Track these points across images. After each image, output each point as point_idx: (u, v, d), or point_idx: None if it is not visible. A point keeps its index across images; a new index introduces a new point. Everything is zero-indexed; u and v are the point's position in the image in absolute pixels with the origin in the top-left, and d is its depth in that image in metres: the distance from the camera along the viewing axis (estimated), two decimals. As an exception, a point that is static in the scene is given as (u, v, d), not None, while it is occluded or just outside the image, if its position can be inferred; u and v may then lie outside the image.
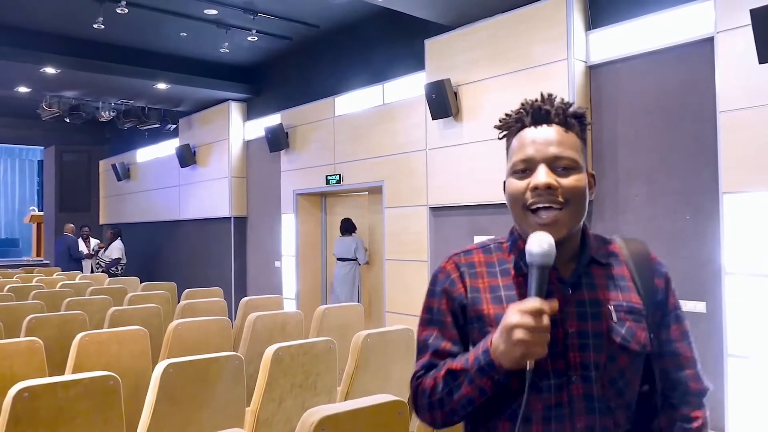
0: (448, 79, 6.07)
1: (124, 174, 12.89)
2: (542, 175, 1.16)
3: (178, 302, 5.34)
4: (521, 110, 1.24)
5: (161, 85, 8.96)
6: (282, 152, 8.67)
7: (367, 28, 7.50)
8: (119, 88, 9.25)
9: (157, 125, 10.59)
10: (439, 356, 1.24)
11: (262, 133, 8.84)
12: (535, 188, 1.17)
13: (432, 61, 6.40)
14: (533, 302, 1.08)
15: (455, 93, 6.09)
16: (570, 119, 1.22)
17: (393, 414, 2.12)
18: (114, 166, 13.06)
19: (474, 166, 5.95)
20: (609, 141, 5.20)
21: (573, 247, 1.24)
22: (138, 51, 8.54)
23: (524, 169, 1.20)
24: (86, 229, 11.50)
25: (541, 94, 1.25)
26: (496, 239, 1.34)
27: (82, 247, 11.15)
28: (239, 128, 9.75)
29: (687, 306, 4.65)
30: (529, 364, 1.09)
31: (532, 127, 1.21)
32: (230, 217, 9.70)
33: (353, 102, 7.59)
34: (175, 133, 11.05)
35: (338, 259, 8.02)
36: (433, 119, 6.24)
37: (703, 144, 4.58)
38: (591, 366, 1.17)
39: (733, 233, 4.32)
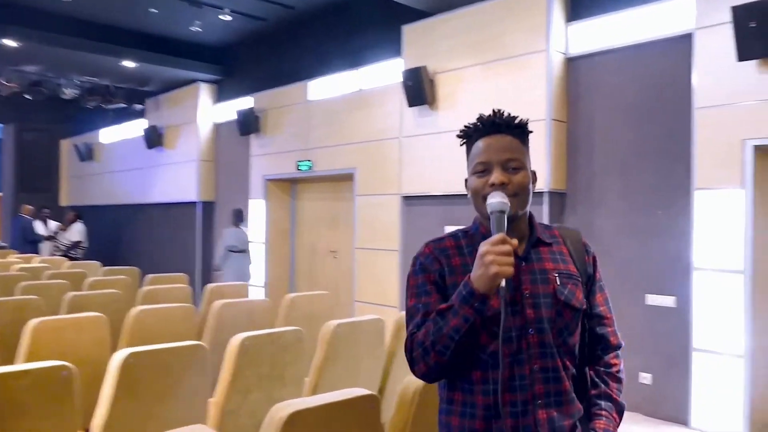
0: (425, 67, 5.97)
1: (87, 154, 12.51)
2: (498, 175, 1.49)
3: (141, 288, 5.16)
4: (478, 123, 1.56)
5: (128, 63, 8.67)
6: (252, 136, 8.48)
7: (344, 11, 7.35)
8: (83, 64, 8.93)
9: (123, 105, 10.29)
10: (428, 315, 1.48)
11: (233, 116, 8.65)
12: (492, 185, 1.48)
13: (409, 48, 6.29)
14: (497, 235, 1.38)
15: (432, 81, 6.00)
16: (516, 129, 1.55)
17: (365, 408, 2.03)
18: (76, 146, 12.67)
19: (448, 155, 5.87)
20: (585, 134, 5.17)
21: (523, 230, 1.57)
22: (104, 26, 8.23)
23: (483, 170, 1.52)
24: (46, 210, 11.11)
25: (493, 110, 1.56)
26: (462, 229, 1.64)
27: (40, 229, 10.75)
28: (208, 110, 9.51)
29: (656, 300, 4.67)
30: (502, 283, 1.36)
31: (489, 136, 1.53)
32: (197, 202, 9.48)
33: (327, 87, 7.44)
34: (141, 114, 10.75)
35: (231, 251, 7.61)
36: (409, 107, 6.14)
37: (679, 140, 4.58)
38: (544, 320, 1.48)
39: (703, 229, 4.33)
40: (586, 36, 5.15)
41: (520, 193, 1.50)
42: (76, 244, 10.63)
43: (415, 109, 6.14)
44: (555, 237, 1.62)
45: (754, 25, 3.91)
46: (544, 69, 5.16)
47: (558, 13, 5.19)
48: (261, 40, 8.62)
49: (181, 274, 6.20)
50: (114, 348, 3.49)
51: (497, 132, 1.53)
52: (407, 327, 1.53)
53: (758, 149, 4.13)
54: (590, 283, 1.61)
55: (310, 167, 7.60)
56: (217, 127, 9.49)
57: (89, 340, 3.44)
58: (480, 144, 1.54)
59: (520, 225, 1.55)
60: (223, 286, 5.54)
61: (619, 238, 4.90)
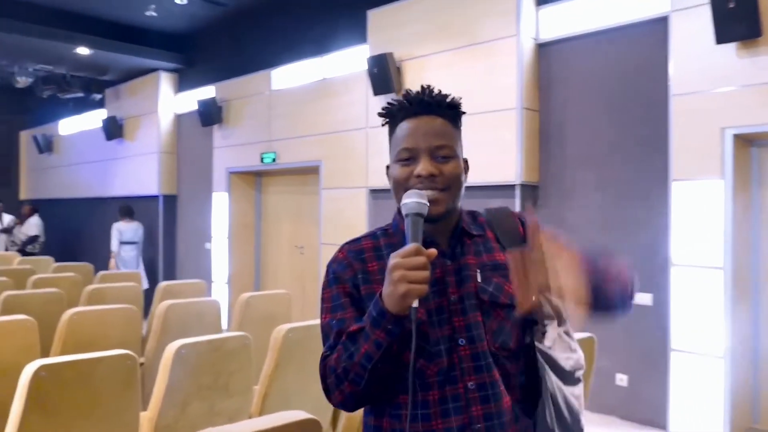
0: (391, 54, 5.69)
1: (46, 146, 12.01)
2: (426, 165, 1.27)
3: (90, 287, 4.81)
4: (404, 100, 1.33)
5: (83, 50, 8.23)
6: (215, 127, 8.12)
7: (307, -4, 7.02)
8: (36, 51, 8.46)
9: (81, 94, 9.81)
10: (342, 335, 1.27)
11: (194, 107, 8.27)
12: (419, 176, 1.27)
13: (375, 34, 6.00)
14: (409, 245, 1.16)
15: (398, 68, 5.72)
16: (447, 110, 1.33)
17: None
18: (35, 138, 12.15)
19: (416, 146, 5.60)
20: (557, 124, 4.94)
21: (451, 225, 1.35)
22: (56, 11, 7.78)
23: (408, 157, 1.30)
24: (-1, 204, 10.60)
25: (422, 86, 1.34)
26: (382, 227, 1.42)
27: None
28: (170, 100, 9.11)
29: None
30: (414, 303, 1.13)
31: (414, 117, 1.31)
32: (159, 195, 9.08)
33: (291, 75, 7.11)
34: (101, 104, 10.30)
35: (124, 243, 8.42)
36: (374, 95, 5.85)
37: (655, 129, 4.37)
38: (472, 326, 1.27)
39: (681, 223, 4.13)
40: (558, 20, 4.91)
41: (452, 187, 1.29)
42: (33, 239, 10.18)
43: (381, 98, 5.84)
44: (481, 224, 1.40)
45: (732, 6, 3.70)
46: (515, 55, 4.91)
47: (529, -4, 4.95)
48: (223, 27, 8.25)
49: (134, 271, 5.84)
50: (47, 356, 3.18)
51: (426, 113, 1.31)
52: (323, 346, 1.33)
53: (738, 138, 3.93)
54: None
55: (274, 159, 7.28)
56: (179, 118, 9.10)
57: (14, 347, 3.10)
58: (405, 126, 1.31)
59: (449, 223, 1.34)
60: (177, 285, 5.21)
61: (593, 232, 4.68)
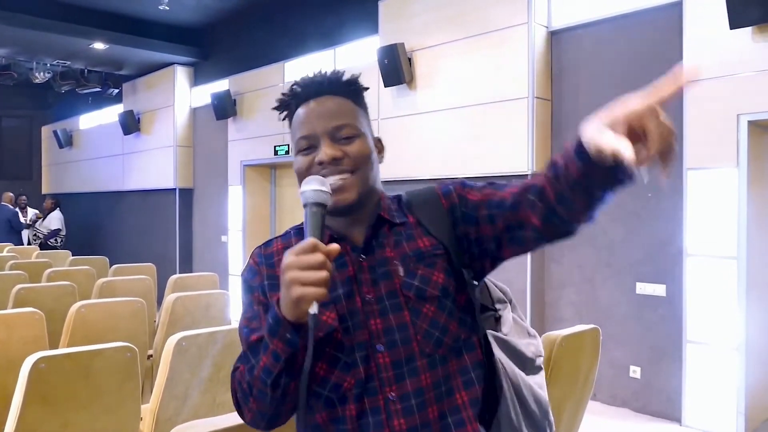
0: (402, 44, 5.64)
1: (66, 141, 12.16)
2: (326, 149, 1.15)
3: (103, 280, 4.85)
4: (294, 87, 1.21)
5: (98, 45, 8.30)
6: (229, 120, 8.15)
7: (319, -13, 6.99)
8: (53, 46, 8.55)
9: (98, 89, 9.90)
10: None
11: (209, 100, 8.29)
12: (321, 162, 1.14)
13: (386, 24, 5.95)
14: (305, 241, 1.00)
15: (409, 59, 5.67)
16: (343, 88, 1.20)
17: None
18: (56, 133, 12.31)
19: (428, 137, 5.56)
20: (569, 113, 4.85)
21: (369, 215, 1.20)
22: (71, 6, 7.84)
23: (308, 146, 1.17)
24: (23, 198, 10.75)
25: (313, 72, 1.24)
26: (297, 225, 1.26)
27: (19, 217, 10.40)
28: (185, 94, 9.16)
29: (646, 289, 4.38)
30: (312, 308, 0.98)
31: (308, 102, 1.19)
32: (175, 189, 9.15)
33: (303, 67, 7.09)
34: (118, 98, 10.39)
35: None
36: (385, 86, 5.81)
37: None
38: (394, 330, 1.12)
39: (696, 212, 4.04)
40: (570, 7, 4.82)
41: (361, 167, 1.15)
42: (55, 233, 10.33)
43: (392, 89, 5.81)
44: (401, 209, 1.24)
45: (748, -10, 3.59)
46: (526, 43, 4.83)
47: (540, -18, 4.86)
48: (236, 21, 8.25)
49: (148, 264, 5.88)
50: (55, 349, 3.21)
51: (319, 95, 1.18)
52: None
53: (753, 125, 3.83)
54: (466, 212, 1.18)
55: (287, 152, 7.28)
56: (195, 112, 9.14)
57: (22, 339, 3.13)
58: (300, 113, 1.18)
59: (368, 211, 1.19)
60: (189, 277, 5.23)
61: (606, 222, 4.60)
